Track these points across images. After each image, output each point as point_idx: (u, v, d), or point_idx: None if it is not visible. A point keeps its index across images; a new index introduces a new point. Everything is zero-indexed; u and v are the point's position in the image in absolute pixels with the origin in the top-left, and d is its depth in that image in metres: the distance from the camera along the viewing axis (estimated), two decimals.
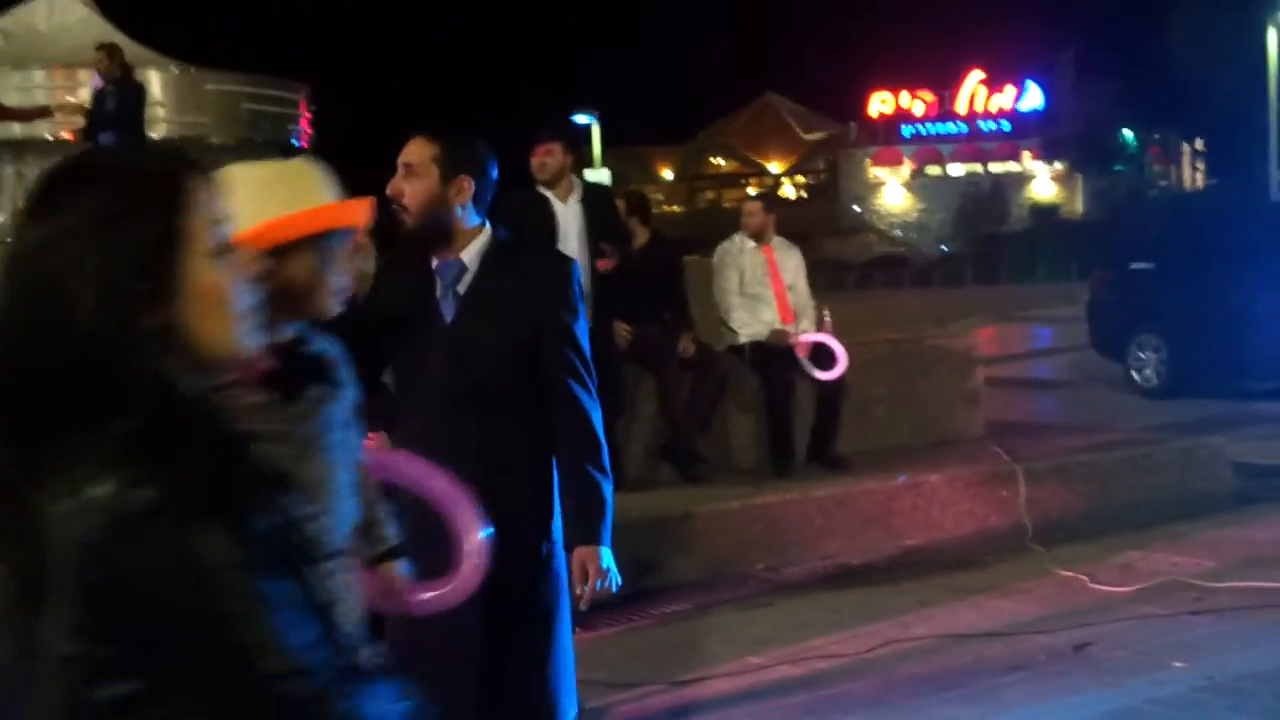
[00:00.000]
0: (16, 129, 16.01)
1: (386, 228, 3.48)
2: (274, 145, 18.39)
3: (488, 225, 3.55)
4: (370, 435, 6.08)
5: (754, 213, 9.10)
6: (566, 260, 3.64)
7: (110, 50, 12.57)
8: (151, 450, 1.52)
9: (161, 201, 1.61)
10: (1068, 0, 78.20)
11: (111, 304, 1.55)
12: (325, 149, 19.58)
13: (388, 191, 3.47)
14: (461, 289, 3.48)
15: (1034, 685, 5.71)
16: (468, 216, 3.49)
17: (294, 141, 18.65)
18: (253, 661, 1.53)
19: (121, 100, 12.23)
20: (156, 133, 13.29)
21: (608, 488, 3.48)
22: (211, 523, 1.51)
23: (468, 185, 3.47)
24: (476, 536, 3.08)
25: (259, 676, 1.53)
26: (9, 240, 1.64)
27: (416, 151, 3.48)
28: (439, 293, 3.49)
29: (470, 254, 3.48)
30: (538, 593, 3.47)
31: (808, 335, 8.84)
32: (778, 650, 6.27)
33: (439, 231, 3.47)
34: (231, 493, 1.54)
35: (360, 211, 2.62)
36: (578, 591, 3.44)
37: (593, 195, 7.73)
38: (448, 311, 3.47)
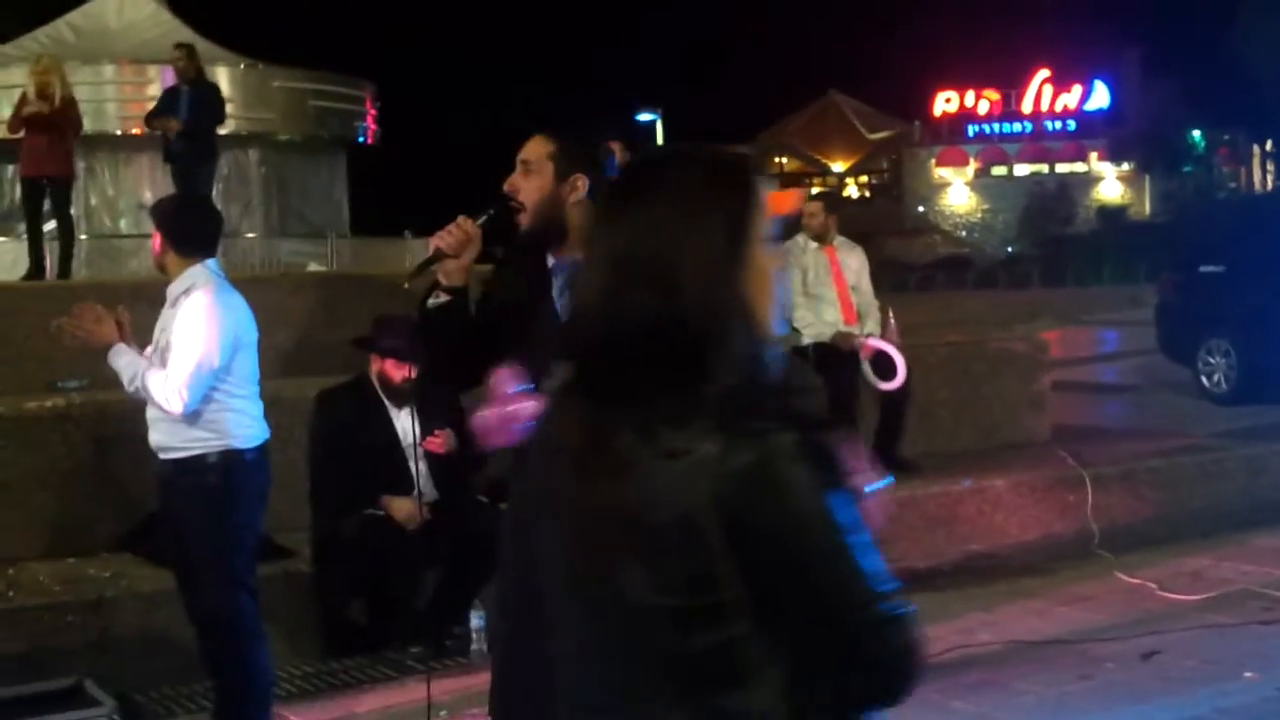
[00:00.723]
0: (86, 123, 16.20)
1: (501, 223, 3.48)
2: (340, 141, 18.53)
3: None
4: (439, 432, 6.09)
5: (815, 213, 9.04)
6: None
7: (189, 51, 12.74)
8: (746, 409, 1.71)
9: (741, 191, 1.84)
10: None
11: (709, 280, 1.75)
12: (391, 146, 19.69)
13: (504, 188, 3.47)
14: None
15: (1101, 693, 5.65)
16: (583, 214, 3.47)
17: (360, 139, 18.75)
18: (846, 593, 1.73)
19: (194, 100, 12.32)
20: (224, 129, 13.35)
21: None
22: (805, 472, 1.70)
23: (582, 184, 3.47)
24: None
25: (850, 606, 1.74)
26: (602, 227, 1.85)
27: (534, 149, 3.49)
28: (555, 291, 3.48)
29: None
30: None
31: (873, 339, 8.77)
32: None
33: (554, 229, 3.47)
34: (813, 444, 1.73)
35: (790, 201, 2.67)
36: None
37: None
38: (564, 310, 3.45)
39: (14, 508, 6.74)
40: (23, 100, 11.67)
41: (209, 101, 12.45)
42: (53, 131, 11.49)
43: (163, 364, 4.69)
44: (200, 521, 4.76)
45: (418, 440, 6.13)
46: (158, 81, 16.23)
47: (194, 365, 4.63)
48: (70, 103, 11.78)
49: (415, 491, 6.08)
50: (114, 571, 6.41)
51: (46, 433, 6.89)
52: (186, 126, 12.16)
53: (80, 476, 6.87)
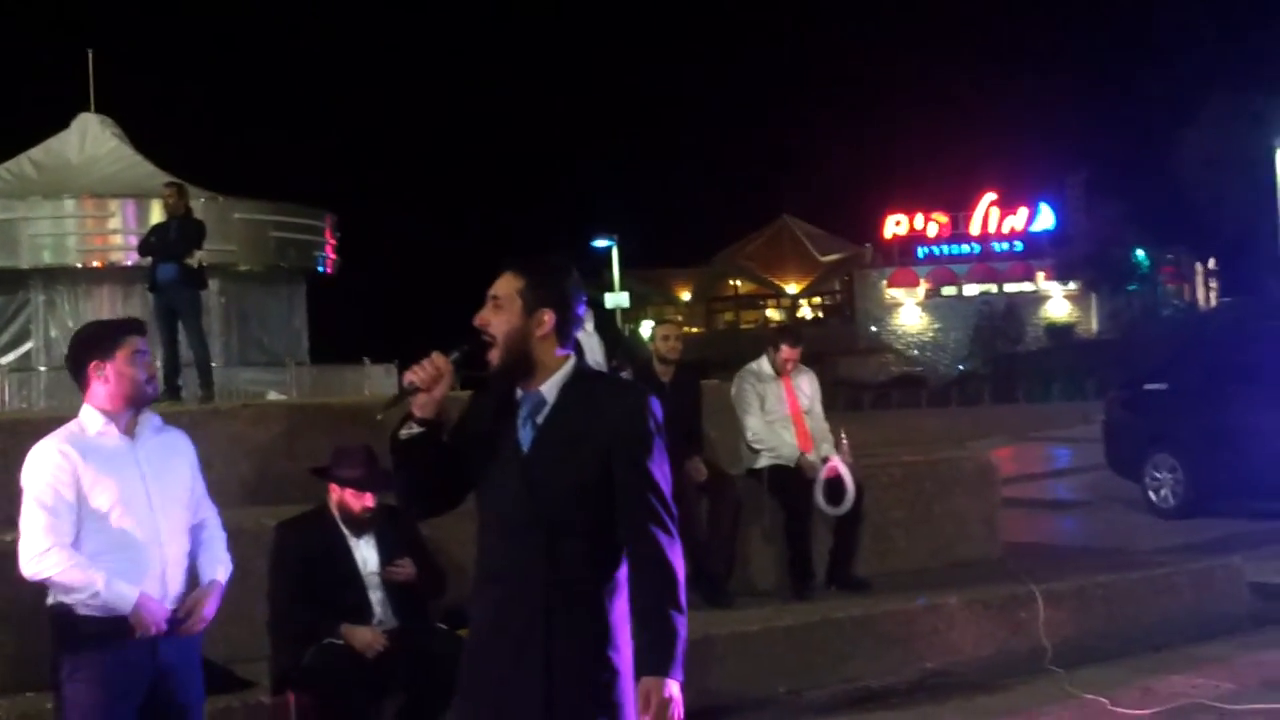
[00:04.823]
0: (46, 256, 16.36)
1: (474, 358, 3.59)
2: (300, 271, 18.69)
3: (572, 356, 3.64)
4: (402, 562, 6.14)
5: (790, 358, 9.13)
6: (641, 392, 3.67)
7: (179, 189, 13.63)
8: None
9: None
10: (1079, 123, 79.17)
11: None
12: (350, 275, 19.88)
13: (475, 322, 3.58)
14: (540, 420, 3.56)
15: None
16: (550, 349, 3.58)
17: (320, 268, 18.93)
18: None
19: (182, 233, 13.11)
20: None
21: (682, 624, 3.53)
22: None
23: (549, 319, 3.56)
24: None
25: None
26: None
27: (503, 285, 3.58)
28: (519, 422, 3.58)
29: (550, 386, 3.57)
30: (597, 716, 3.51)
31: (833, 459, 8.86)
32: None
33: (522, 363, 3.57)
34: None
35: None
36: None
37: (600, 319, 7.91)
38: (525, 441, 3.55)
39: None
40: None
41: (198, 235, 13.23)
42: None
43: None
44: None
45: (379, 569, 6.20)
46: (119, 215, 16.49)
47: None
48: None
49: (374, 620, 6.13)
50: None
51: (9, 568, 6.87)
52: (177, 257, 12.93)
53: (40, 611, 6.86)
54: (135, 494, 4.57)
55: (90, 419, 4.59)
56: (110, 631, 4.50)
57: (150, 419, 4.72)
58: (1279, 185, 38.20)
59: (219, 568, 4.86)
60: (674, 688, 3.47)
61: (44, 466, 4.51)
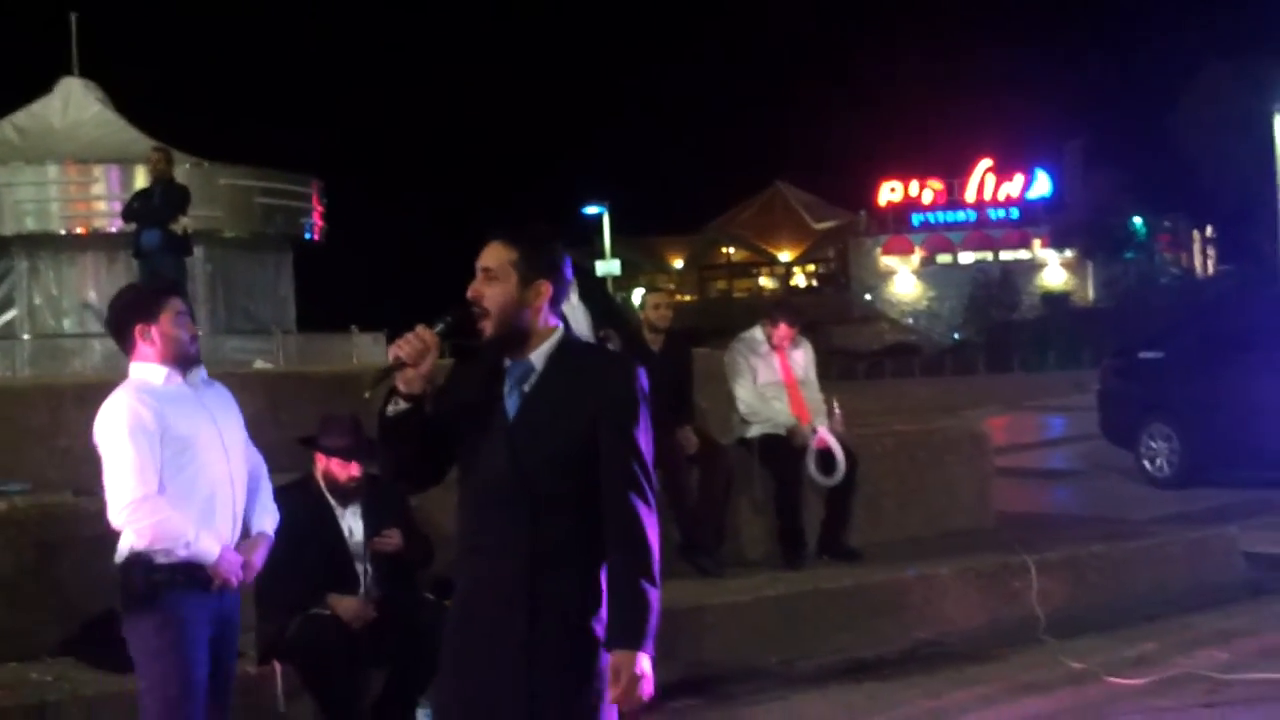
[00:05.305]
0: (29, 223, 16.25)
1: (461, 328, 3.52)
2: (287, 238, 18.58)
3: (560, 325, 3.60)
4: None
5: (787, 336, 9.05)
6: (628, 362, 3.65)
7: (166, 153, 13.58)
8: None
9: None
10: (1076, 90, 78.92)
11: None
12: (337, 242, 19.78)
13: (468, 295, 3.51)
14: (527, 388, 3.51)
15: None
16: (544, 318, 3.54)
17: (307, 235, 18.81)
18: None
19: (167, 199, 13.04)
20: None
21: (655, 597, 3.46)
22: None
23: (546, 289, 3.52)
24: None
25: None
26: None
27: (495, 256, 3.53)
28: (506, 390, 3.53)
29: (539, 354, 3.53)
30: (579, 690, 3.46)
31: (823, 430, 8.81)
32: None
33: (517, 334, 3.52)
34: None
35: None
36: (611, 695, 3.42)
37: (589, 287, 7.86)
38: (511, 408, 3.50)
39: None
40: None
41: (182, 201, 13.15)
42: None
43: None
44: None
45: (366, 539, 6.13)
46: (103, 181, 16.33)
47: None
48: None
49: (361, 590, 6.07)
50: (56, 675, 6.34)
51: None
52: (162, 223, 12.85)
53: (23, 580, 6.81)
54: (211, 440, 4.62)
55: (150, 373, 4.62)
56: (188, 581, 4.54)
57: (199, 371, 4.74)
58: (1277, 153, 38.09)
59: (267, 518, 4.91)
60: (645, 662, 3.41)
61: (123, 418, 4.50)
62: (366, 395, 3.72)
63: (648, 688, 3.41)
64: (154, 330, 4.58)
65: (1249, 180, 45.00)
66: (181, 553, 4.50)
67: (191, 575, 4.54)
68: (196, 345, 4.72)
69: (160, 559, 4.51)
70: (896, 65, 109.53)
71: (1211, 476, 14.14)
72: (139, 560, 4.52)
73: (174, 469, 4.52)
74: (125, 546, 4.57)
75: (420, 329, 3.47)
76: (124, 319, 4.65)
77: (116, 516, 4.53)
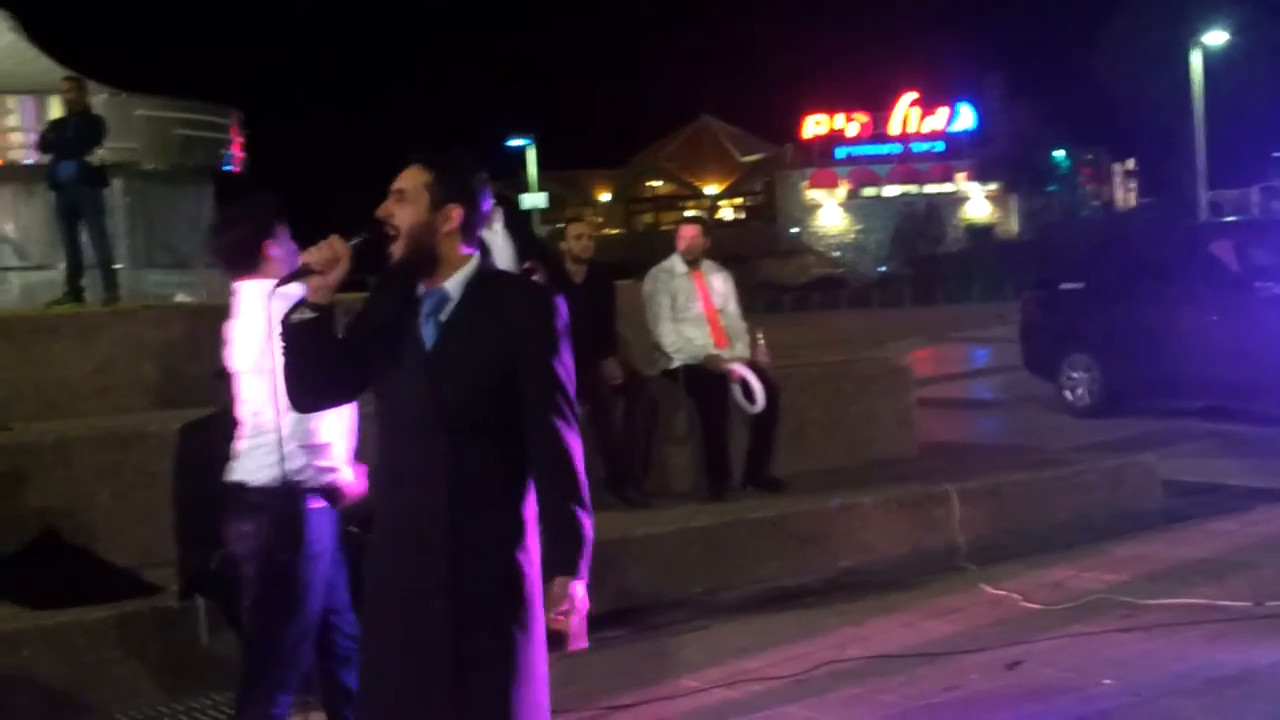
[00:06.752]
0: None
1: (373, 248, 3.47)
2: (207, 170, 18.28)
3: (476, 254, 3.55)
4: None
5: (693, 238, 9.10)
6: (546, 291, 3.61)
7: (79, 83, 13.24)
8: None
9: None
10: (998, 22, 79.08)
11: None
12: (258, 174, 19.48)
13: (378, 213, 3.47)
14: (443, 317, 3.47)
15: (967, 704, 5.75)
16: (456, 245, 3.49)
17: (227, 167, 18.51)
18: None
19: (81, 130, 12.76)
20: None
21: (587, 521, 3.45)
22: None
23: (457, 214, 3.47)
24: None
25: None
26: None
27: (410, 178, 3.48)
28: (421, 319, 3.49)
29: (454, 283, 3.48)
30: (506, 622, 3.44)
31: (738, 365, 8.84)
32: (714, 673, 6.29)
33: (426, 258, 3.47)
34: None
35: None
36: (552, 622, 3.41)
37: (515, 220, 7.83)
38: (428, 338, 3.46)
39: None
40: None
41: (97, 132, 12.90)
42: None
43: None
44: None
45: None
46: (17, 112, 15.95)
47: None
48: None
49: None
50: None
51: None
52: (76, 155, 12.59)
53: None
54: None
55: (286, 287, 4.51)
56: (328, 504, 4.56)
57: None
58: (1194, 87, 38.44)
59: None
60: (580, 588, 3.41)
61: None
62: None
63: (583, 611, 3.42)
64: (277, 249, 4.50)
65: (1169, 114, 45.41)
66: (335, 478, 4.54)
67: (333, 498, 4.57)
68: None
69: (310, 484, 4.52)
70: None
71: (1130, 406, 14.35)
72: (292, 485, 4.50)
73: None
74: (274, 469, 4.51)
75: (333, 238, 3.42)
76: (251, 235, 4.51)
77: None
